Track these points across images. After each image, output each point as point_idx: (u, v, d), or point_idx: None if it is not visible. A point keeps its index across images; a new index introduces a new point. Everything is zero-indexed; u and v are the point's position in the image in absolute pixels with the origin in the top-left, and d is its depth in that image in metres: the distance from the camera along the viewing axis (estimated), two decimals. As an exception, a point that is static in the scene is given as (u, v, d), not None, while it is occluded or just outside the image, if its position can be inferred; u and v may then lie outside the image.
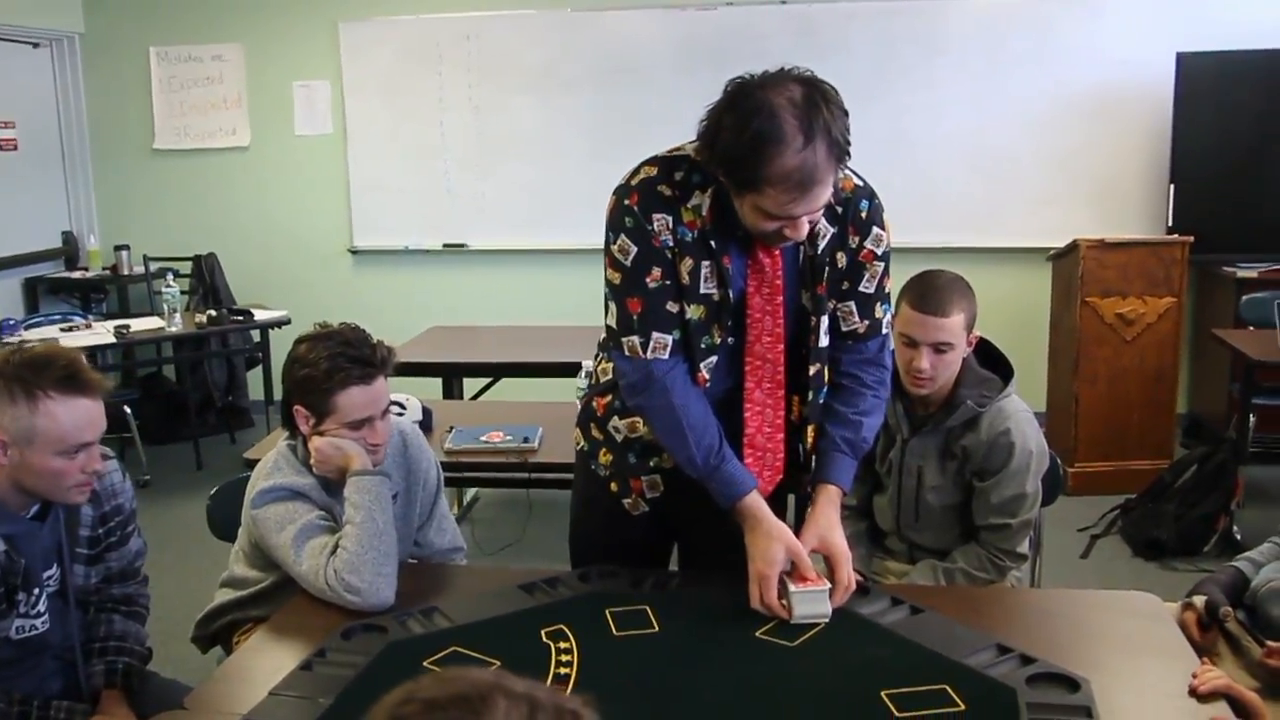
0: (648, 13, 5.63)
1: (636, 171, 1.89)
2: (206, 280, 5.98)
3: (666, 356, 1.88)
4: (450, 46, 5.80)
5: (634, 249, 1.85)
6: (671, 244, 1.85)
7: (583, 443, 2.13)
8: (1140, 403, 4.63)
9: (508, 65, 5.77)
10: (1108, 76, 5.29)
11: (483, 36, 5.77)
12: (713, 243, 1.84)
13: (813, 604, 1.82)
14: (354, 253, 6.14)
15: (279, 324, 5.29)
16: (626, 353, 1.90)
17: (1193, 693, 1.61)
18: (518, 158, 5.83)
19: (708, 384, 1.92)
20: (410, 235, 6.04)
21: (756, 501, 1.89)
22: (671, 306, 1.87)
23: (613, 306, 1.91)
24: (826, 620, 1.82)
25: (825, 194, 1.73)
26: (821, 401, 1.99)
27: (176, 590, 3.57)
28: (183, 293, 5.56)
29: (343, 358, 2.05)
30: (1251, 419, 4.29)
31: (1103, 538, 4.20)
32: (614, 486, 2.09)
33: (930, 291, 2.24)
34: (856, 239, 1.92)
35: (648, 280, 1.86)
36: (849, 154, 1.73)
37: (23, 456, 1.76)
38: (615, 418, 2.03)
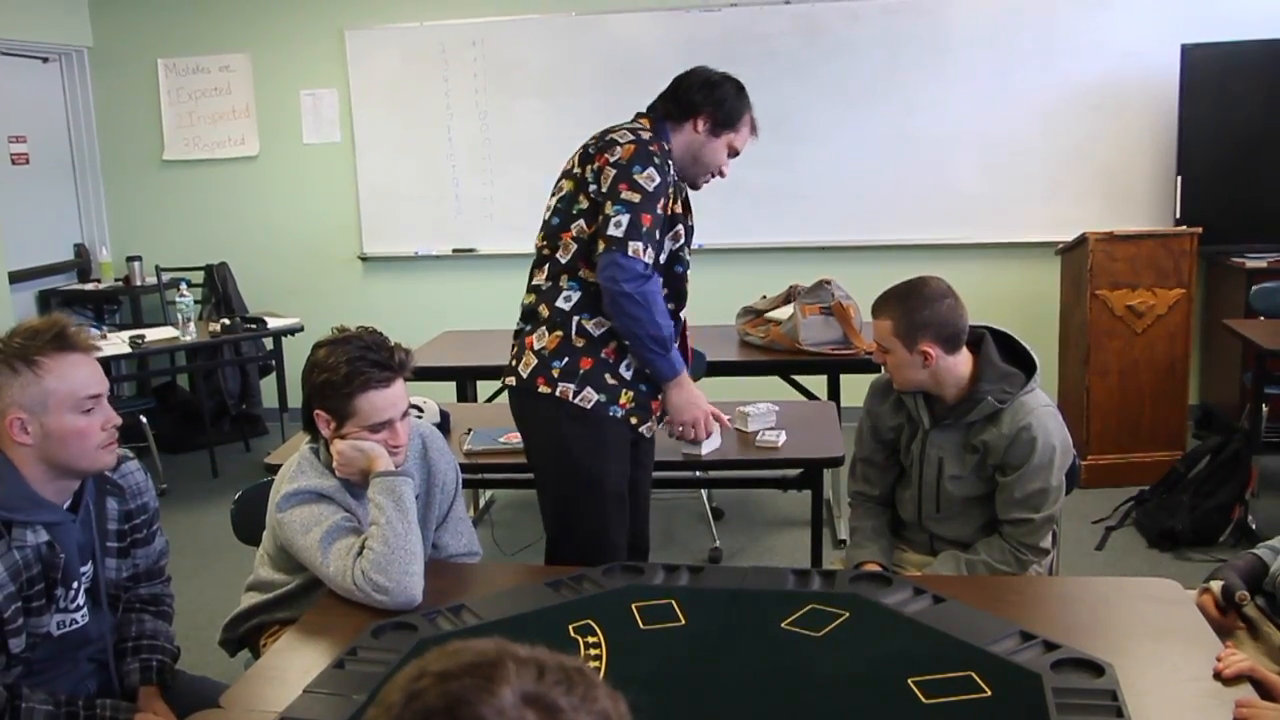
0: (652, 15, 5.64)
1: (637, 129, 2.45)
2: (219, 289, 6.01)
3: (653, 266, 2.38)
4: (456, 53, 5.83)
5: (658, 179, 2.37)
6: (670, 187, 2.41)
7: (598, 396, 2.44)
8: (1152, 394, 4.64)
9: (513, 70, 5.80)
10: (1113, 70, 5.31)
11: (488, 42, 5.79)
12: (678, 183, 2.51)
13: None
14: (364, 259, 6.16)
15: (292, 331, 5.32)
16: (630, 254, 2.32)
17: (1217, 676, 1.62)
18: (525, 162, 5.84)
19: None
20: (420, 241, 6.07)
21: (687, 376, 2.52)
22: (659, 236, 2.38)
23: (623, 219, 2.32)
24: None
25: None
26: None
27: (198, 596, 3.59)
28: (195, 302, 5.59)
29: (362, 361, 2.07)
30: (1264, 408, 4.29)
31: (1117, 529, 4.20)
32: (634, 420, 2.48)
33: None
34: None
35: (658, 207, 2.36)
36: None
37: (43, 426, 1.79)
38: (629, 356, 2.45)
